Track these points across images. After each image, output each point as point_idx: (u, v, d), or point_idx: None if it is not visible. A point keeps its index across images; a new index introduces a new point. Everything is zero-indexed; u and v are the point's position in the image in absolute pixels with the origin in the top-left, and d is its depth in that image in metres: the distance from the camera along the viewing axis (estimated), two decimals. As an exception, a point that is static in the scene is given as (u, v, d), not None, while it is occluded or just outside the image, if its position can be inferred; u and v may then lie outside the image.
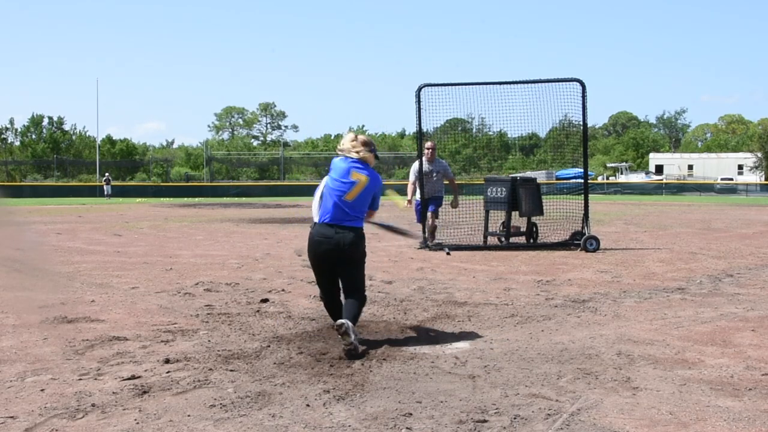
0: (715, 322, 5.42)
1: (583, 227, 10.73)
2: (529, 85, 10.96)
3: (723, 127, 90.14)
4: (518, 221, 11.28)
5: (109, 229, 15.07)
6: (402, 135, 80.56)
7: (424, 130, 11.04)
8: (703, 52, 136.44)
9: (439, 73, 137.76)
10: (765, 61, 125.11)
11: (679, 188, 50.70)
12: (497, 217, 11.64)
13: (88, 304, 6.09)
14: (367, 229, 4.91)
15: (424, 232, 10.76)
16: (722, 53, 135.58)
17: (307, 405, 3.46)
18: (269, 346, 4.62)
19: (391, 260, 9.24)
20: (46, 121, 64.11)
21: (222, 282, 7.35)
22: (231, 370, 4.06)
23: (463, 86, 11.01)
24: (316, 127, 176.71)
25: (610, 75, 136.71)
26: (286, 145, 79.55)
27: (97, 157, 51.73)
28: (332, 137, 78.79)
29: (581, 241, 10.45)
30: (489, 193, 11.15)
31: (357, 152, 4.73)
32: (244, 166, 63.99)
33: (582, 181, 11.32)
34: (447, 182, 10.88)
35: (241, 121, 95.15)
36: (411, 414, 3.33)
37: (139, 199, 38.34)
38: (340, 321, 4.34)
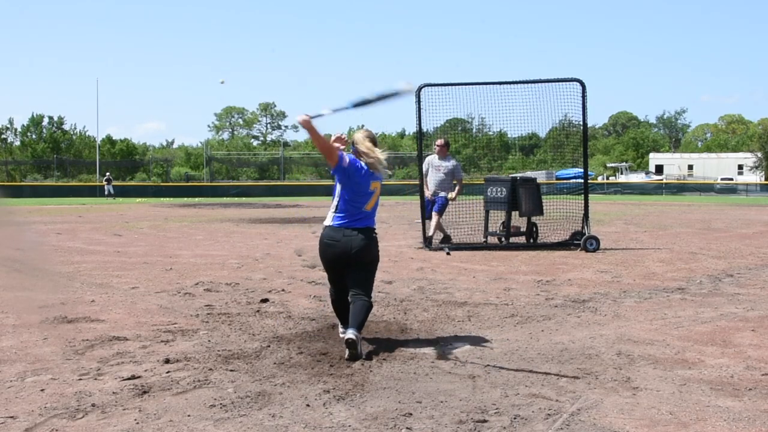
0: (715, 322, 5.42)
1: (583, 227, 10.73)
2: (529, 85, 10.96)
3: (723, 127, 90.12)
4: (518, 221, 11.28)
5: (109, 229, 15.06)
6: (402, 135, 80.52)
7: (424, 130, 11.06)
8: (703, 52, 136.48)
9: (439, 73, 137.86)
10: (765, 61, 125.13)
11: (679, 188, 50.69)
12: (497, 217, 11.64)
13: (88, 304, 6.09)
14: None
15: (424, 230, 10.79)
16: (722, 53, 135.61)
17: (307, 405, 3.46)
18: (269, 346, 4.62)
19: (391, 260, 9.24)
20: (46, 120, 64.09)
21: (222, 282, 7.35)
22: (231, 370, 4.06)
23: (463, 86, 11.01)
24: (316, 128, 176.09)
25: (610, 75, 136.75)
26: (286, 145, 79.52)
27: (97, 157, 51.72)
28: (332, 137, 78.69)
29: (581, 241, 10.45)
30: (489, 193, 11.15)
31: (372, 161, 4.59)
32: (244, 166, 63.98)
33: (582, 181, 11.33)
34: (455, 182, 10.85)
35: (241, 121, 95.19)
36: (411, 414, 3.33)
37: (139, 199, 38.35)
38: (349, 337, 4.28)
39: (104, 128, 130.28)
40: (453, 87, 10.93)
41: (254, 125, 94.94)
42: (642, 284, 7.33)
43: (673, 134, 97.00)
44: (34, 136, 62.83)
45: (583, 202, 10.91)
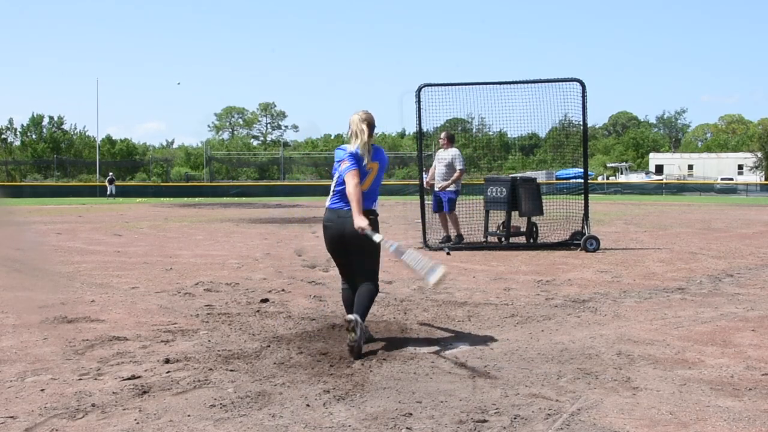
0: (715, 322, 5.42)
1: (583, 227, 10.73)
2: (529, 85, 10.95)
3: (723, 127, 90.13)
4: (518, 221, 11.28)
5: (109, 229, 15.06)
6: (402, 135, 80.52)
7: (424, 130, 11.06)
8: (703, 52, 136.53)
9: (439, 73, 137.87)
10: (765, 61, 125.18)
11: (679, 188, 50.70)
12: (497, 217, 11.64)
13: (88, 304, 6.09)
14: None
15: (424, 230, 10.79)
16: (722, 53, 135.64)
17: (307, 405, 3.46)
18: (269, 346, 4.62)
19: (391, 260, 9.22)
20: (46, 120, 64.10)
21: (222, 282, 7.35)
22: (231, 370, 4.06)
23: (463, 86, 11.01)
24: (316, 127, 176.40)
25: (610, 75, 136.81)
26: (286, 145, 79.55)
27: (97, 157, 51.71)
28: (332, 137, 78.82)
29: (581, 241, 10.45)
30: (489, 193, 11.15)
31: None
32: (244, 166, 64.00)
33: (582, 181, 11.32)
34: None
35: (241, 121, 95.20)
36: (411, 414, 3.33)
37: (139, 199, 38.34)
38: (350, 317, 4.31)
39: (104, 128, 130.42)
40: (453, 87, 10.93)
41: (254, 125, 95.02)
42: (642, 284, 7.33)
43: (673, 134, 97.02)
44: (34, 136, 62.82)
45: (583, 202, 10.92)
